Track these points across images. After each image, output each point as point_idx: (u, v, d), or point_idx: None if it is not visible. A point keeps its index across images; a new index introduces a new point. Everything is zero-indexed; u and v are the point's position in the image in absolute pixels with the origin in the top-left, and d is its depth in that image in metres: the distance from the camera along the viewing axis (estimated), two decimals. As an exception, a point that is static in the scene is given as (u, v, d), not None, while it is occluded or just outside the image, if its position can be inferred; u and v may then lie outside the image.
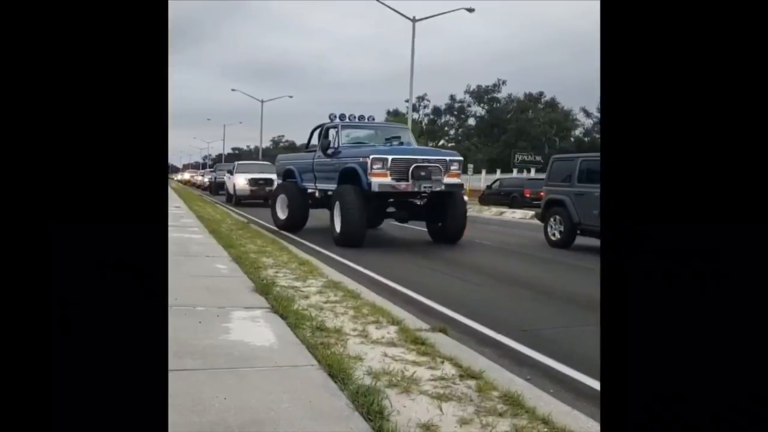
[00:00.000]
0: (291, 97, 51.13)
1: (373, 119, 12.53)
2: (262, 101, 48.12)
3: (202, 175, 45.33)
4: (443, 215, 10.74)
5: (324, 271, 6.77)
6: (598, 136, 46.77)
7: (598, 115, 47.16)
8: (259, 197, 21.61)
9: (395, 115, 50.32)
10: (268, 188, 21.19)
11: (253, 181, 21.88)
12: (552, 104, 50.75)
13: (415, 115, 52.09)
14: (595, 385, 3.48)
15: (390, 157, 9.83)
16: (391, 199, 10.63)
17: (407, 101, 30.90)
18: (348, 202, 9.70)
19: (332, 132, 11.54)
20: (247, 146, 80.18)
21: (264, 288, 5.40)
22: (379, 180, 9.72)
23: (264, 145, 60.64)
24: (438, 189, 9.99)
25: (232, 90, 49.46)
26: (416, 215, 11.08)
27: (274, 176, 21.79)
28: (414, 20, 25.17)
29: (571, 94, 77.44)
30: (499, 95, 51.67)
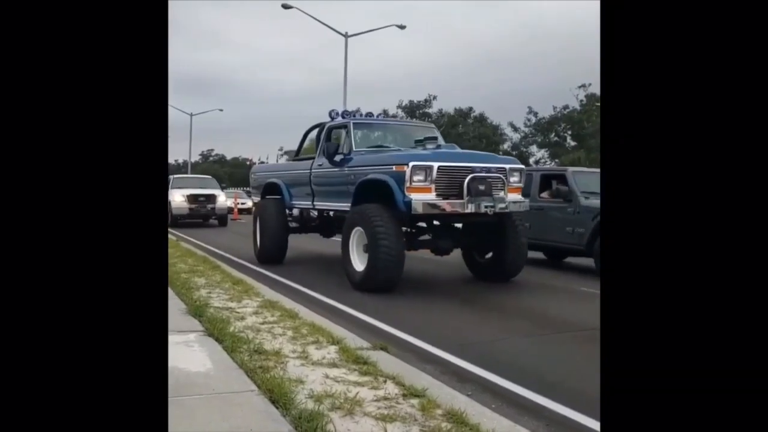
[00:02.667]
0: (221, 110, 50.30)
1: (392, 117, 9.94)
2: (191, 114, 47.01)
3: (128, 191, 43.45)
4: (496, 243, 7.97)
5: (259, 291, 6.61)
6: (525, 149, 48.39)
7: (525, 129, 48.95)
8: (199, 216, 19.44)
9: (328, 130, 50.02)
10: (210, 206, 19.18)
11: (192, 198, 18.96)
12: (481, 119, 52.01)
13: (348, 130, 52.19)
14: (536, 398, 3.53)
15: (435, 165, 6.90)
16: (424, 223, 7.98)
17: (340, 116, 30.89)
18: (380, 230, 6.83)
19: (340, 133, 8.59)
20: (176, 160, 77.64)
21: (197, 310, 5.20)
22: (422, 197, 6.82)
23: (193, 159, 59.15)
24: (501, 209, 7.17)
25: (160, 103, 47.86)
26: (458, 243, 8.33)
27: (216, 192, 20.04)
28: (346, 36, 25.32)
29: (498, 109, 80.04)
30: (430, 110, 52.49)
